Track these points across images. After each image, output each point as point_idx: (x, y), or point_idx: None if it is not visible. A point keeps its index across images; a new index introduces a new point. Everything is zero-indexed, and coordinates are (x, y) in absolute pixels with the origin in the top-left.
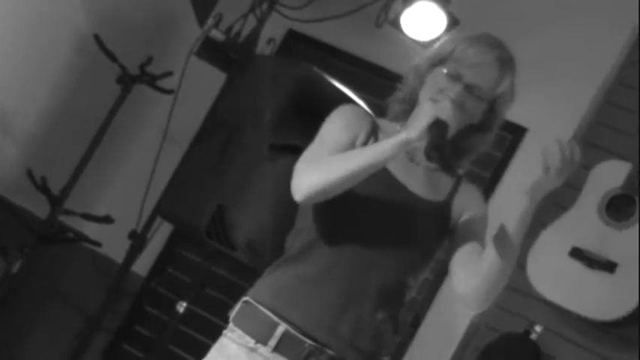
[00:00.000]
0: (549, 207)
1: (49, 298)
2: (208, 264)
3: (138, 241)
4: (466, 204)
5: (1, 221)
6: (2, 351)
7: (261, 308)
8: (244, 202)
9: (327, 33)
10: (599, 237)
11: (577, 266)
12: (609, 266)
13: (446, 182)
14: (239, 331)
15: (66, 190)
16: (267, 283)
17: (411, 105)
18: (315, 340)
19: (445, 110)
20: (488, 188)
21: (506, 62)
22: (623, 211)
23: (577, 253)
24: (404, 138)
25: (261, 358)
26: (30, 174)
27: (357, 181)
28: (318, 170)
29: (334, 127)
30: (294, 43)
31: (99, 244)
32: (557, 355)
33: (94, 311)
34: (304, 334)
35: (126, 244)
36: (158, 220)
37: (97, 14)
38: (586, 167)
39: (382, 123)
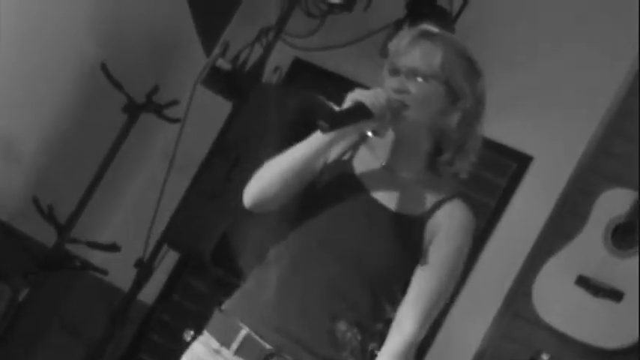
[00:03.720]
0: (555, 235)
1: (54, 326)
2: (215, 292)
3: (144, 269)
4: (440, 225)
5: (6, 249)
6: None
7: (229, 314)
8: (249, 230)
9: (333, 62)
10: (604, 265)
11: (583, 294)
12: (615, 295)
13: (430, 198)
14: (207, 334)
15: (72, 219)
16: (238, 293)
17: None
18: (274, 344)
19: (367, 94)
20: (493, 217)
21: (432, 35)
22: (629, 239)
23: (583, 282)
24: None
25: None
26: (36, 202)
27: (295, 182)
28: (257, 176)
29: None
30: (300, 71)
31: (105, 273)
32: None
33: (98, 339)
34: (263, 338)
35: (132, 272)
36: (164, 248)
37: (104, 43)
38: (591, 195)
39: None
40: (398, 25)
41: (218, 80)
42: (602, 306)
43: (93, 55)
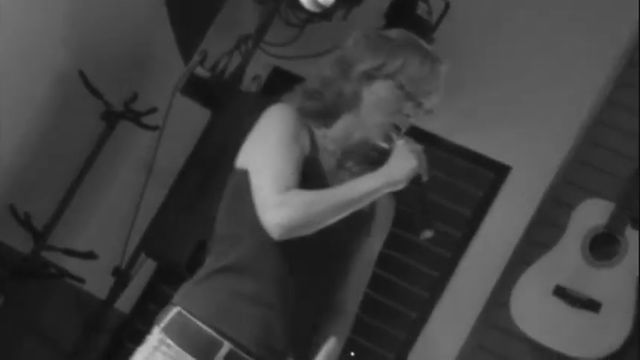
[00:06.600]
0: (533, 245)
1: (29, 333)
2: None
3: (122, 278)
4: (381, 220)
5: None
6: None
7: (200, 324)
8: None
9: (312, 71)
10: (582, 276)
11: (561, 305)
12: (593, 305)
13: None
14: (175, 347)
15: (49, 226)
16: (203, 296)
17: (327, 107)
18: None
19: (418, 165)
20: (470, 227)
21: (440, 64)
22: (606, 250)
23: (560, 292)
24: (390, 182)
25: None
26: (13, 209)
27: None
28: (304, 209)
29: (286, 139)
30: (279, 80)
31: (82, 281)
32: None
33: (73, 348)
34: (248, 353)
35: (109, 280)
36: (142, 256)
37: (81, 50)
38: (569, 206)
39: (315, 130)
40: None
41: (196, 88)
42: (579, 316)
43: (71, 62)
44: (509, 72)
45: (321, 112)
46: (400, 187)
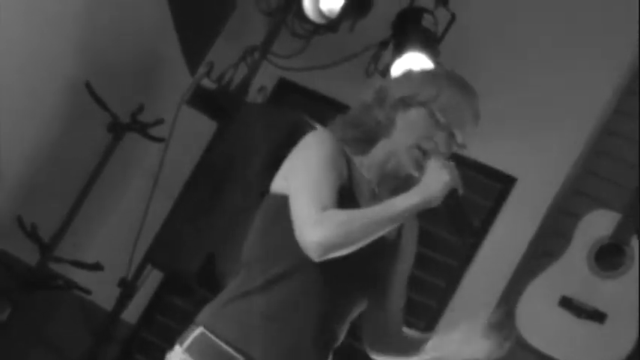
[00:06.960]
0: (539, 256)
1: (36, 345)
2: (199, 312)
3: (128, 289)
4: (408, 243)
5: None
6: None
7: (224, 345)
8: (234, 250)
9: (318, 82)
10: (588, 286)
11: (566, 316)
12: (598, 316)
13: None
14: None
15: (56, 237)
16: (228, 317)
17: (366, 134)
18: None
19: (451, 178)
20: (477, 237)
21: (474, 95)
22: (612, 260)
23: (566, 303)
24: (427, 200)
25: None
26: (20, 220)
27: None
28: (341, 227)
29: (324, 163)
30: (286, 91)
31: (89, 292)
32: None
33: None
34: None
35: (115, 291)
36: (148, 267)
37: (88, 62)
38: (575, 216)
39: (353, 157)
40: (383, 46)
41: (203, 100)
42: (585, 327)
43: (77, 73)
44: (515, 83)
45: (361, 139)
46: (436, 203)
